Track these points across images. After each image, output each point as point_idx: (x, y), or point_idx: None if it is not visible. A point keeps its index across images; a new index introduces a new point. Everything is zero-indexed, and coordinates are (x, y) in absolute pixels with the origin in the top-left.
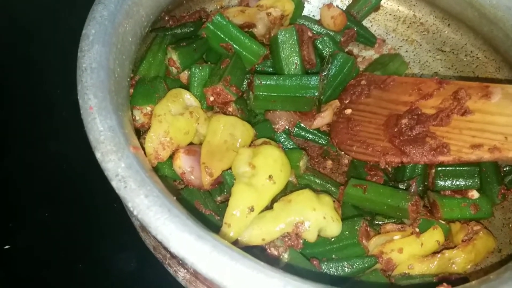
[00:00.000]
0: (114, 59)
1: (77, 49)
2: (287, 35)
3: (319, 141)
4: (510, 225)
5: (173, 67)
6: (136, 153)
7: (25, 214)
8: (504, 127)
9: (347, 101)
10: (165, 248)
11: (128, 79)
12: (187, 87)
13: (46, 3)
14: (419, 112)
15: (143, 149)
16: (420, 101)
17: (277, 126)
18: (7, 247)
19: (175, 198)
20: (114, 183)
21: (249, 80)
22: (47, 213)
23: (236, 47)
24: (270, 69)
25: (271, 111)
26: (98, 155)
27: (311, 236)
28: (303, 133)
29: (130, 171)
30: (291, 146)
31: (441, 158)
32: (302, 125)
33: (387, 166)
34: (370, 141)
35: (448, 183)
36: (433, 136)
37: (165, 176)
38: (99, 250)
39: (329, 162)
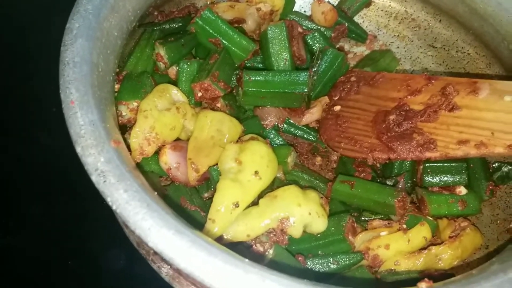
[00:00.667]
0: (98, 53)
1: None
2: (276, 30)
3: (308, 137)
4: (498, 222)
5: (161, 62)
6: (117, 148)
7: (20, 211)
8: (491, 122)
9: (336, 98)
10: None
11: (113, 74)
12: (175, 82)
13: (45, 3)
14: (407, 108)
15: (129, 144)
16: (408, 97)
17: (266, 122)
18: None
19: (156, 193)
20: (93, 178)
21: (238, 76)
22: (37, 210)
23: (225, 42)
24: (260, 65)
25: (260, 107)
26: (78, 149)
27: (296, 232)
28: (292, 130)
29: (109, 166)
30: (280, 143)
31: (428, 154)
32: (291, 121)
33: (374, 162)
34: (358, 137)
35: (436, 179)
36: (421, 132)
37: (151, 172)
38: (89, 247)
39: (318, 159)
